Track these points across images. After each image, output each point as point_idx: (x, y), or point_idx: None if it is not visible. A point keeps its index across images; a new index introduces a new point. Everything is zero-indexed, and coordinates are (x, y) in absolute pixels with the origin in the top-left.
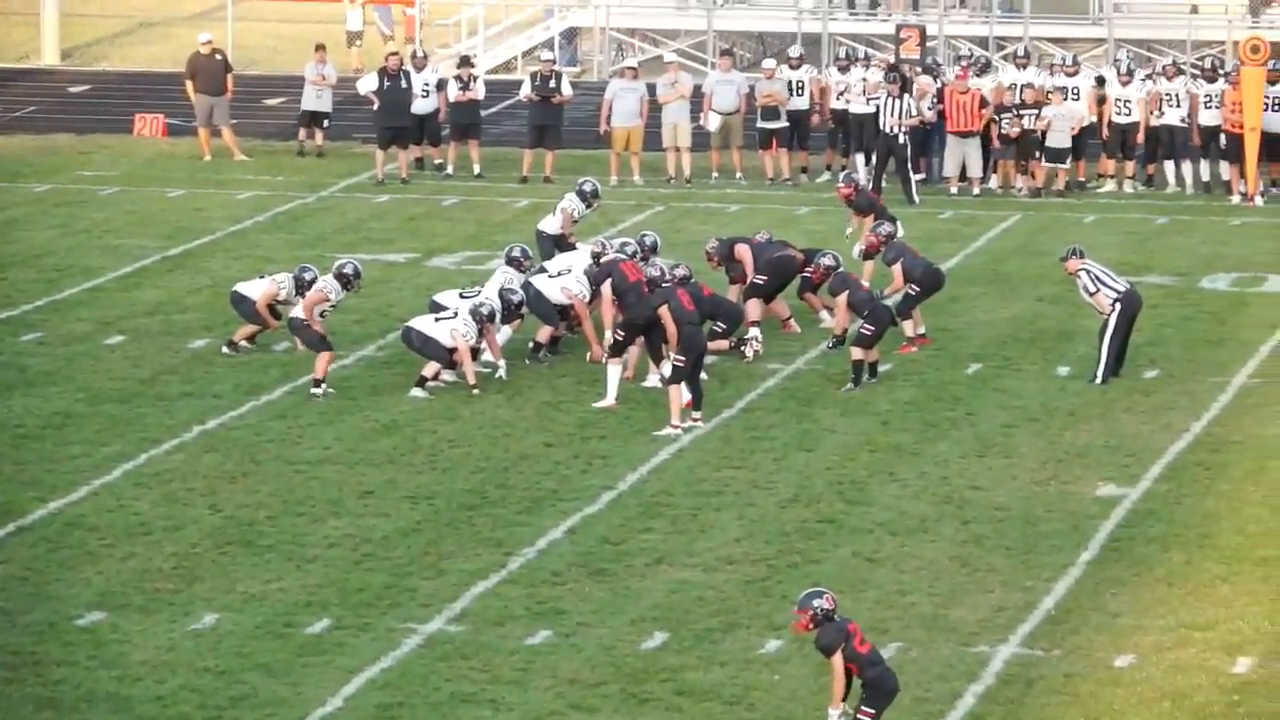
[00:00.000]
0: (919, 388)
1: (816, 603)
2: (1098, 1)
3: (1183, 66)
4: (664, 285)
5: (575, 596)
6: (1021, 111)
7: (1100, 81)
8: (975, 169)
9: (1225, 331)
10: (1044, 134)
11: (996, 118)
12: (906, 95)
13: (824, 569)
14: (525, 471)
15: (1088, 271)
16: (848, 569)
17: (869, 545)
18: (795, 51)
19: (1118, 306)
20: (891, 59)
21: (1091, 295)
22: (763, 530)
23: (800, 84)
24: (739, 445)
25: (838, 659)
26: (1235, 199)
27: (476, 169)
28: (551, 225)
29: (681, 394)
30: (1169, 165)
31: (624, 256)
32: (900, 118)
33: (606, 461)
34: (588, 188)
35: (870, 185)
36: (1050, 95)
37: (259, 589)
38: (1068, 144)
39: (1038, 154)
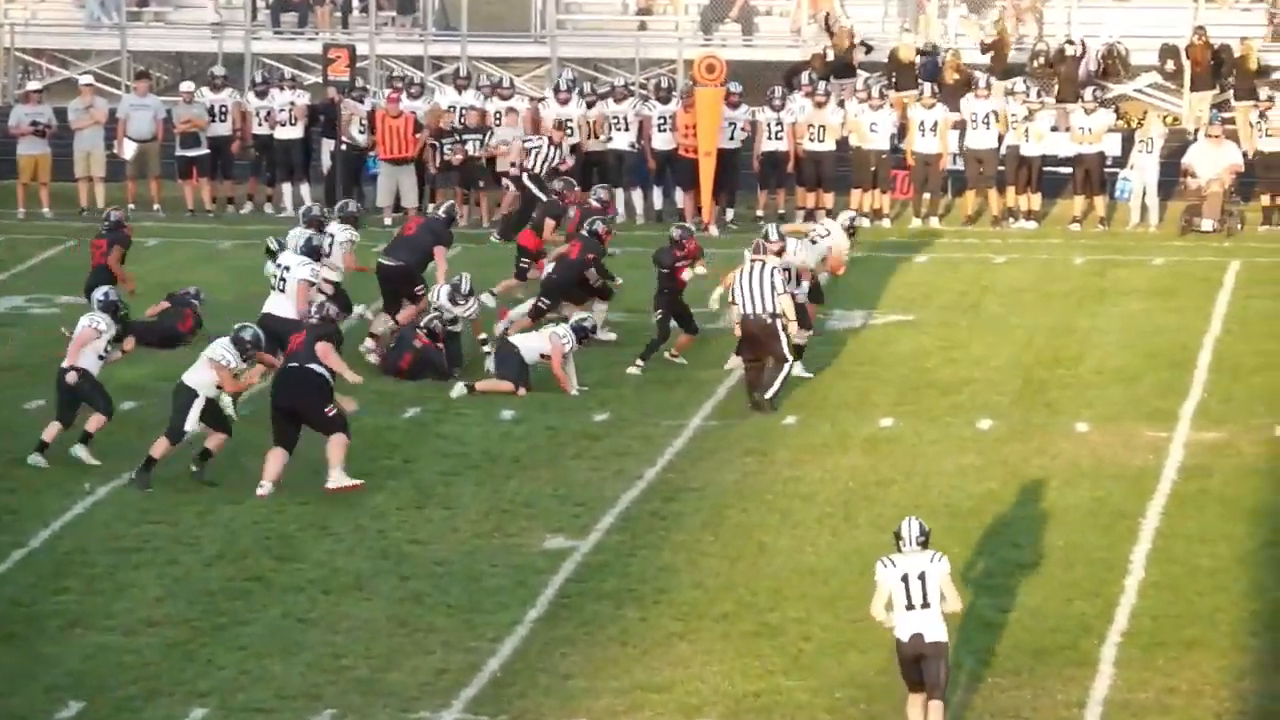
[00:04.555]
0: (353, 435)
1: None
2: (539, 18)
3: (632, 87)
4: None
5: None
6: (464, 136)
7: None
8: (410, 198)
9: (680, 371)
10: (492, 160)
11: (437, 143)
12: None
13: (253, 630)
14: None
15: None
16: (278, 631)
17: (301, 605)
18: (219, 71)
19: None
20: (319, 80)
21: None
22: (186, 590)
23: (223, 108)
24: (161, 498)
25: None
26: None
27: None
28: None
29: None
30: (618, 194)
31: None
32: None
33: (16, 517)
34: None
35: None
36: (506, 117)
37: None
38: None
39: (481, 182)
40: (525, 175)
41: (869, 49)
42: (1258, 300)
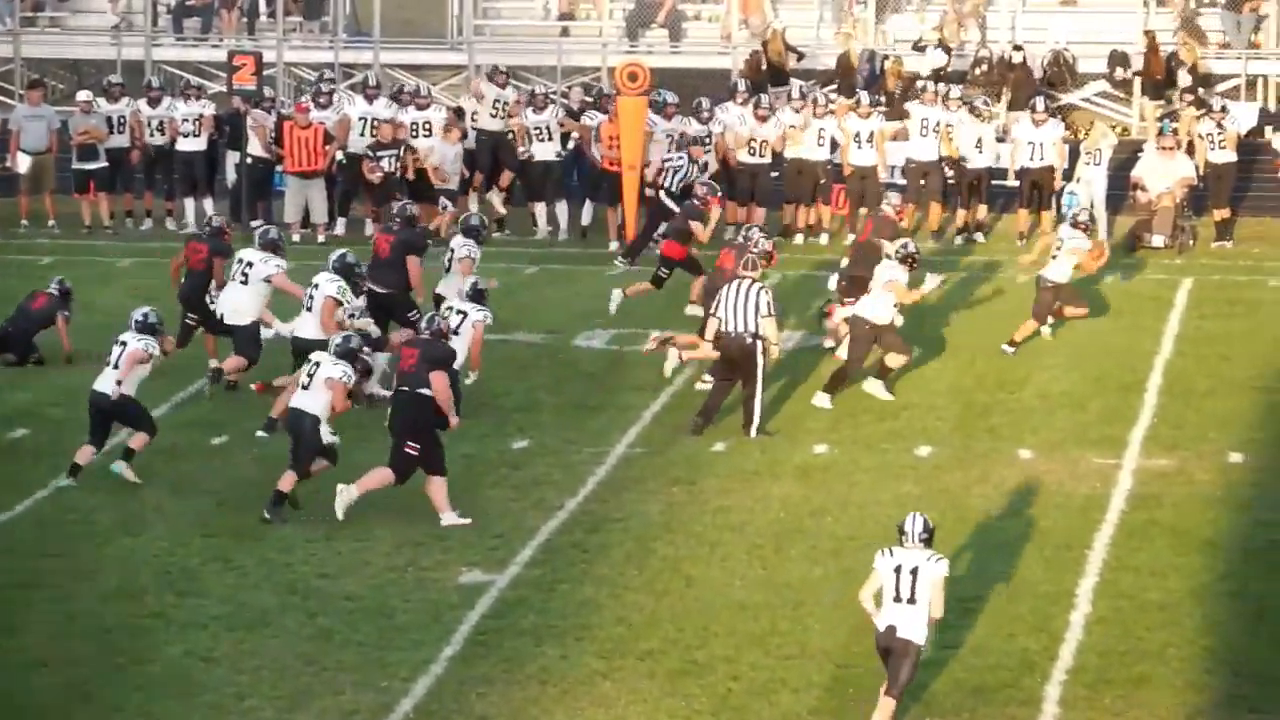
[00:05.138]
0: (259, 463)
1: None
2: (456, 24)
3: (553, 96)
4: None
5: None
6: (378, 153)
7: (459, 113)
8: (319, 214)
9: (604, 396)
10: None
11: (371, 154)
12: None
13: (152, 670)
14: None
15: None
16: (179, 670)
17: (203, 643)
18: (115, 79)
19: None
20: (224, 89)
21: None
22: (81, 627)
23: (121, 118)
24: (55, 529)
25: None
26: (615, 245)
27: None
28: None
29: None
30: (539, 207)
31: None
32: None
33: None
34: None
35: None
36: (446, 135)
37: None
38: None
39: (398, 194)
40: (661, 191)
41: (800, 56)
42: (1210, 320)
